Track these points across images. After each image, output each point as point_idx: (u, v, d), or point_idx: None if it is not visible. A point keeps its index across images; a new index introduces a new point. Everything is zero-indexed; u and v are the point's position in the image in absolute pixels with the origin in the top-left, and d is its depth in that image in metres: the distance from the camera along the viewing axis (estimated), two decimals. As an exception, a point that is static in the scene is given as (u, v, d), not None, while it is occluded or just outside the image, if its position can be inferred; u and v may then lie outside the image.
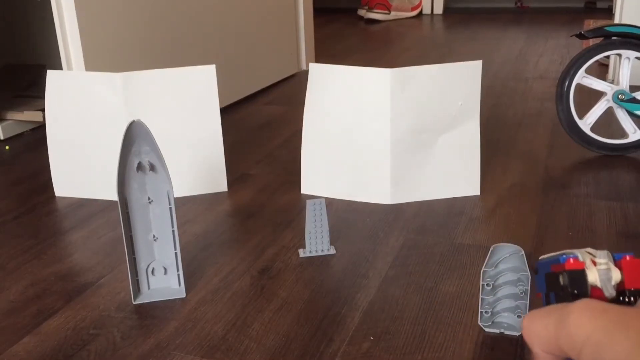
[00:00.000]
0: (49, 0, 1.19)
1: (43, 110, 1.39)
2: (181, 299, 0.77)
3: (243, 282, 0.81)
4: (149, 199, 0.78)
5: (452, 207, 1.01)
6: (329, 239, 0.87)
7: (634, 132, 1.20)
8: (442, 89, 1.01)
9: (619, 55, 1.19)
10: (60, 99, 1.06)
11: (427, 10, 3.48)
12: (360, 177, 1.04)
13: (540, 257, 0.37)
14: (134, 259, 0.78)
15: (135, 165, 0.77)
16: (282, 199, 1.07)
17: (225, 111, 1.61)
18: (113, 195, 1.08)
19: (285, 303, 0.76)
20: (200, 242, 0.93)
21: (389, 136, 1.01)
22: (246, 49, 1.74)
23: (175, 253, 0.79)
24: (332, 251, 0.88)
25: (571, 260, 0.32)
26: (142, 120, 0.74)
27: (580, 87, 1.21)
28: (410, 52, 2.38)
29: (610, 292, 0.32)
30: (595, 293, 0.32)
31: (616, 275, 0.32)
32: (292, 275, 0.82)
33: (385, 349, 0.67)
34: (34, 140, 1.44)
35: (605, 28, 1.18)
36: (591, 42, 1.66)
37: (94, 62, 1.23)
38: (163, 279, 0.80)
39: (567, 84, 1.19)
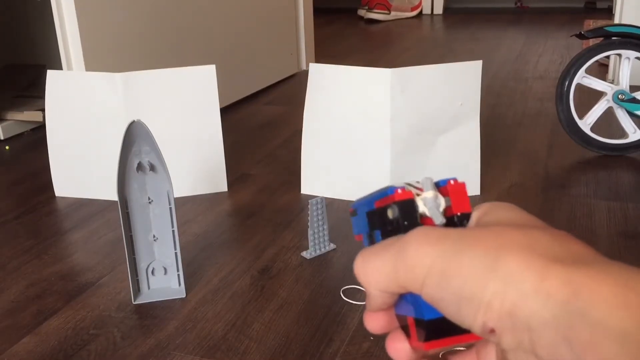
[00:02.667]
0: (49, 0, 1.19)
1: (43, 110, 1.39)
2: (181, 299, 0.77)
3: (243, 282, 0.81)
4: (149, 199, 0.79)
5: (452, 207, 1.01)
6: (328, 235, 0.88)
7: (634, 132, 1.20)
8: (442, 89, 1.01)
9: (619, 55, 1.19)
10: (60, 99, 1.06)
11: (427, 10, 3.48)
12: (360, 177, 1.04)
13: (355, 200, 0.35)
14: (134, 259, 0.78)
15: (135, 165, 0.77)
16: (282, 199, 1.07)
17: (225, 111, 1.61)
18: (113, 195, 1.08)
19: (286, 303, 0.76)
20: (200, 242, 0.93)
21: (389, 136, 1.01)
22: (246, 49, 1.74)
23: (175, 253, 0.79)
24: (332, 246, 0.88)
25: (399, 191, 0.30)
26: (142, 120, 0.74)
27: (580, 87, 1.21)
28: (410, 52, 2.38)
29: (440, 219, 0.30)
30: (425, 222, 0.30)
31: (443, 202, 0.31)
32: (292, 275, 0.82)
33: (385, 349, 0.66)
34: (34, 140, 1.44)
35: (605, 28, 1.18)
36: (591, 42, 1.66)
37: (94, 62, 1.23)
38: (163, 279, 0.80)
39: (567, 84, 1.20)
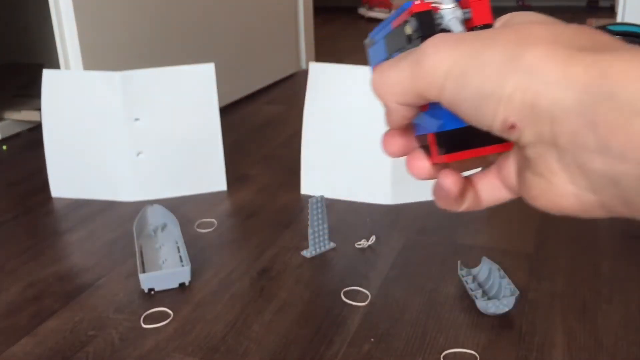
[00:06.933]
0: (48, -1, 1.18)
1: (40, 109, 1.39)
2: (180, 300, 0.77)
3: (243, 283, 0.80)
4: (160, 247, 0.88)
5: (453, 207, 1.00)
6: (328, 233, 0.88)
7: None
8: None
9: (621, 54, 1.18)
10: (56, 99, 1.05)
11: (427, 9, 3.47)
12: (361, 177, 1.03)
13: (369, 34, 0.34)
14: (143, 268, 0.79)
15: (151, 232, 0.91)
16: (282, 199, 1.06)
17: (225, 111, 1.61)
18: (110, 196, 1.08)
19: (285, 304, 0.75)
20: (199, 242, 0.92)
21: (390, 136, 1.00)
22: (246, 48, 1.73)
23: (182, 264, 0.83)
24: (332, 245, 0.88)
25: (417, 2, 0.28)
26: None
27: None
28: (410, 51, 2.37)
29: (460, 31, 0.29)
30: None
31: (463, 13, 0.29)
32: (292, 276, 0.82)
33: (385, 351, 0.66)
34: (32, 140, 1.43)
35: (608, 27, 1.18)
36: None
37: (92, 61, 1.22)
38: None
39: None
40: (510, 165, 0.29)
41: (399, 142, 0.31)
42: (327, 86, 1.03)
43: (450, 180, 0.29)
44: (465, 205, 0.31)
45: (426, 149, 0.30)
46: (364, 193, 1.04)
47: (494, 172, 0.30)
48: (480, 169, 0.30)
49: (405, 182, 1.02)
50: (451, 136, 0.28)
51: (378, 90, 0.28)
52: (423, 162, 0.30)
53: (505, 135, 0.24)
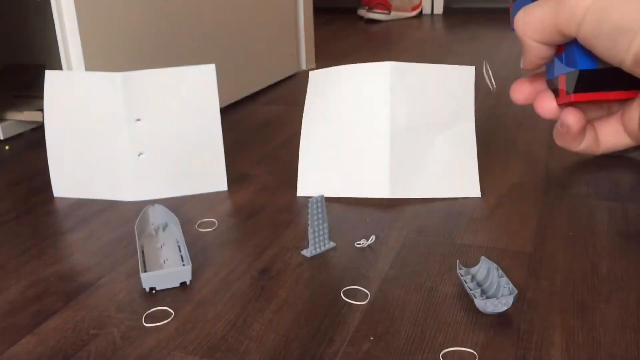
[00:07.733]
0: (49, 0, 1.19)
1: (43, 110, 1.39)
2: (181, 299, 0.77)
3: (243, 282, 0.81)
4: (161, 246, 0.88)
5: (452, 208, 1.01)
6: (329, 233, 0.88)
7: (635, 132, 1.19)
8: (437, 87, 1.01)
9: (620, 55, 1.19)
10: (58, 99, 1.06)
11: (427, 10, 3.48)
12: (359, 172, 1.04)
13: None
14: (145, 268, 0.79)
15: (152, 231, 0.91)
16: (282, 199, 1.07)
17: (225, 111, 1.61)
18: (111, 196, 1.08)
19: (286, 303, 0.76)
20: (199, 242, 0.92)
21: (389, 129, 1.01)
22: (246, 49, 1.74)
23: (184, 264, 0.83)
24: (332, 244, 0.88)
25: None
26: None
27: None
28: (410, 53, 2.38)
29: None
30: None
31: None
32: (292, 275, 0.82)
33: (385, 350, 0.66)
34: (34, 140, 1.44)
35: None
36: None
37: (93, 62, 1.22)
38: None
39: (567, 84, 1.19)
40: (634, 109, 0.30)
41: (527, 89, 0.34)
42: (326, 89, 1.03)
43: (572, 117, 0.31)
44: (583, 146, 0.33)
45: (555, 92, 0.32)
46: (363, 188, 1.04)
47: (616, 117, 0.31)
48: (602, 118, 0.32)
49: (403, 176, 1.03)
50: (580, 78, 0.29)
51: (520, 27, 0.30)
52: (551, 103, 0.32)
53: (635, 70, 0.25)
